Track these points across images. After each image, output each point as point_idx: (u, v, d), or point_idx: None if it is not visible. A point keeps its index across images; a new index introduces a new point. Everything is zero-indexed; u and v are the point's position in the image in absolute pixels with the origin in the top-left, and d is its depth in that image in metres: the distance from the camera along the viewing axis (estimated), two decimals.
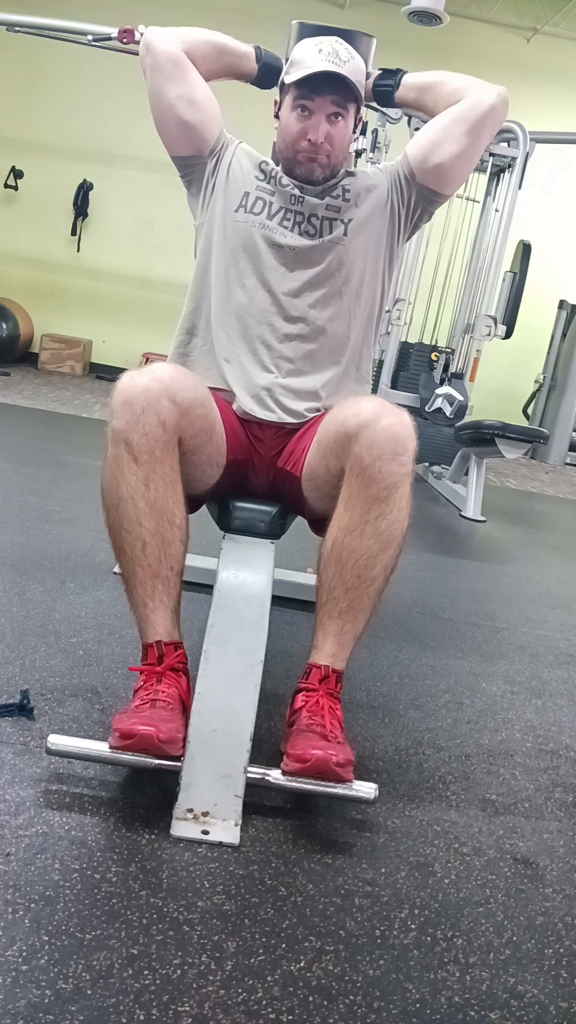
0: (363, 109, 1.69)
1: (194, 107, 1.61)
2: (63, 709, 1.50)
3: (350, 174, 1.68)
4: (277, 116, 1.66)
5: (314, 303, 1.63)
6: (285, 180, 1.64)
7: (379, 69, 1.73)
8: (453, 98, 1.62)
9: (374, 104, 1.76)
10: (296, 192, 1.63)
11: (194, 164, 1.67)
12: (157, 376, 1.35)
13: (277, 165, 1.68)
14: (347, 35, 1.74)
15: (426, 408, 4.66)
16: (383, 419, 1.35)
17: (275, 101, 1.67)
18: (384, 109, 4.56)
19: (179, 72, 1.60)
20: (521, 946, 1.12)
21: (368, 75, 1.71)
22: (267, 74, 1.71)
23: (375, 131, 4.78)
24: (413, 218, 1.70)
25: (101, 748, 1.25)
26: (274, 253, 1.63)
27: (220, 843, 1.21)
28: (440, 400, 4.66)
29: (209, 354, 1.67)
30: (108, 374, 6.64)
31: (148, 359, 6.57)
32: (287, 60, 1.66)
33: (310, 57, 1.55)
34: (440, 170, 1.63)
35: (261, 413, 1.61)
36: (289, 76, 1.58)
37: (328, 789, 1.26)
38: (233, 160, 1.67)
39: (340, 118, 1.59)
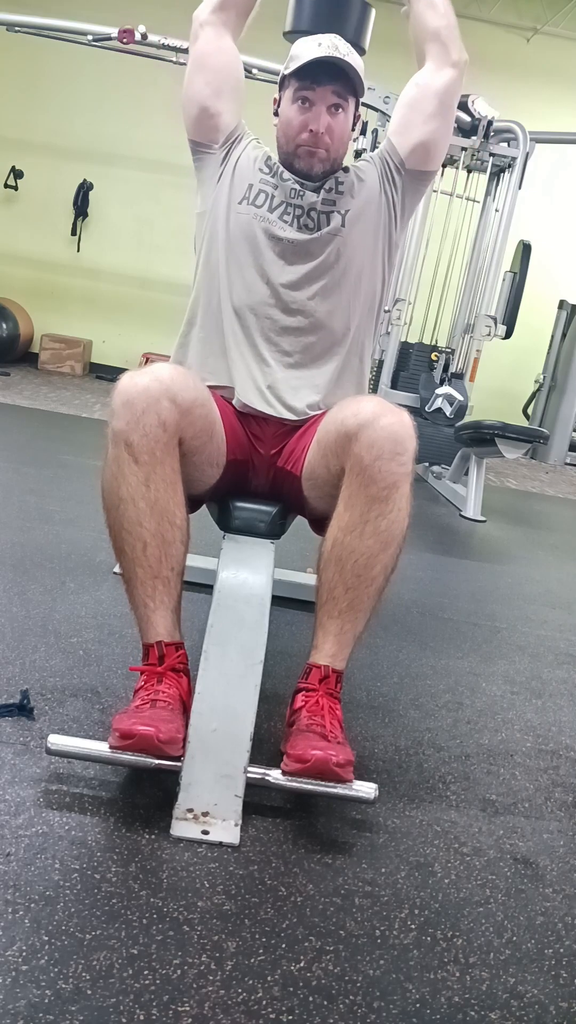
0: (361, 107, 1.69)
1: (219, 98, 1.64)
2: (63, 709, 1.50)
3: (343, 169, 1.69)
4: (276, 114, 1.66)
5: (313, 295, 1.64)
6: (286, 174, 1.65)
7: None
8: (427, 35, 1.62)
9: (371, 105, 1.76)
10: (296, 187, 1.64)
11: (205, 152, 1.69)
12: (157, 376, 1.35)
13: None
14: (347, 0, 1.73)
15: (426, 408, 4.66)
16: (383, 419, 1.35)
17: (274, 99, 1.68)
18: (383, 109, 4.56)
19: (217, 64, 1.63)
20: (521, 946, 1.12)
21: None
22: None
23: (375, 131, 4.77)
24: (405, 200, 1.70)
25: (101, 748, 1.25)
26: (273, 246, 1.64)
27: (220, 843, 1.21)
28: (440, 400, 4.66)
29: (207, 344, 1.67)
30: (108, 374, 6.63)
31: (148, 359, 6.57)
32: (289, 27, 1.66)
33: (309, 50, 1.56)
34: (424, 147, 1.65)
35: (260, 406, 1.61)
36: (289, 68, 1.58)
37: (328, 789, 1.26)
38: (243, 154, 1.68)
39: (340, 110, 1.60)
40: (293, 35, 1.67)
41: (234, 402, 1.63)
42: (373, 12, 1.71)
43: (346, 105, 1.60)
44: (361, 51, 1.70)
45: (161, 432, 1.33)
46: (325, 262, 1.64)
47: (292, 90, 1.60)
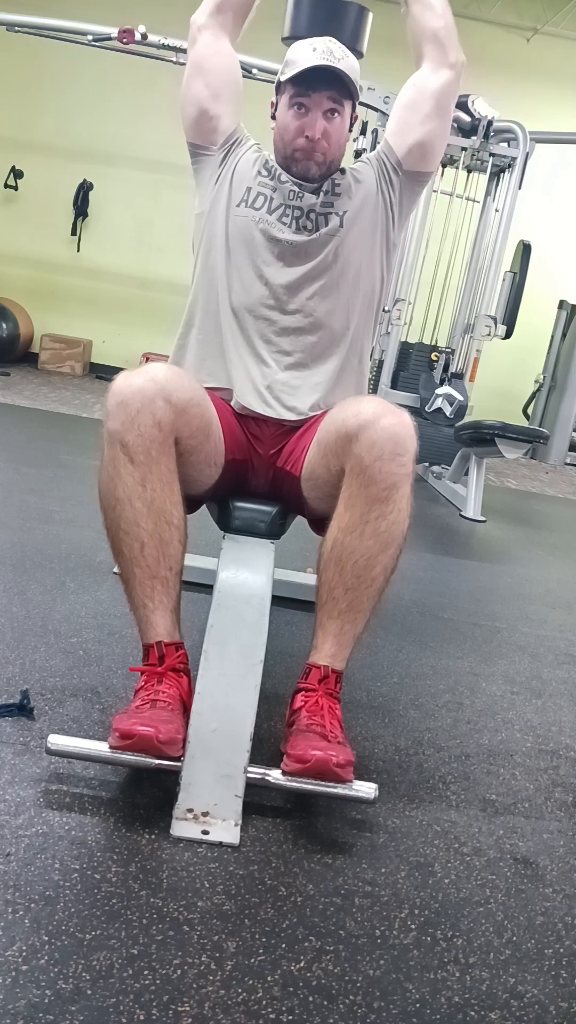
0: (358, 108, 1.70)
1: (217, 101, 1.65)
2: (63, 709, 1.50)
3: (340, 171, 1.69)
4: (274, 117, 1.67)
5: (311, 295, 1.64)
6: (284, 177, 1.65)
7: None
8: (424, 36, 1.62)
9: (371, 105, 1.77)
10: (295, 188, 1.64)
11: (204, 154, 1.70)
12: (152, 376, 1.35)
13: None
14: (344, 5, 1.73)
15: (426, 408, 4.66)
16: (383, 419, 1.35)
17: (271, 102, 1.68)
18: (383, 109, 4.56)
19: (216, 67, 1.64)
20: (521, 946, 1.12)
21: None
22: None
23: (375, 131, 4.77)
24: (403, 200, 1.71)
25: (101, 748, 1.25)
26: (271, 247, 1.64)
27: (220, 843, 1.21)
28: (440, 400, 4.66)
29: (206, 346, 1.67)
30: (108, 374, 6.61)
31: (148, 359, 6.57)
32: (287, 33, 1.66)
33: (305, 56, 1.56)
34: (421, 147, 1.66)
35: (260, 408, 1.61)
36: (285, 74, 1.59)
37: (328, 789, 1.26)
38: (242, 158, 1.68)
39: (336, 115, 1.60)
40: (291, 40, 1.67)
41: (232, 403, 1.63)
42: (370, 16, 1.71)
43: (342, 109, 1.61)
44: (359, 55, 1.70)
45: (156, 432, 1.33)
46: (323, 262, 1.64)
47: (288, 96, 1.60)
